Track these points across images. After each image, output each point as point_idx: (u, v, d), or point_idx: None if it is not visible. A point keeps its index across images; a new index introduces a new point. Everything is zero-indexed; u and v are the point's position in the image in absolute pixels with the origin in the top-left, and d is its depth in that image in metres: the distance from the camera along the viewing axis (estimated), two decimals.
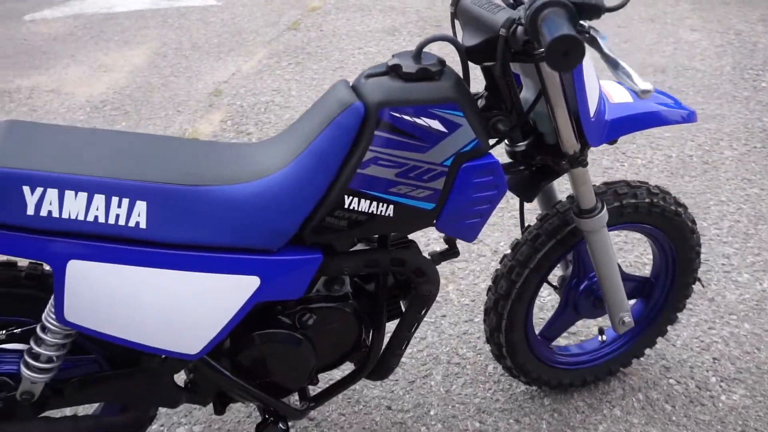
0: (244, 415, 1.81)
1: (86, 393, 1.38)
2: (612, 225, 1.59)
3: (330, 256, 1.32)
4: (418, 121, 1.22)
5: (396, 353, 1.51)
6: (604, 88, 1.45)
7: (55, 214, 1.14)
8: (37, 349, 1.28)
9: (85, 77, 3.92)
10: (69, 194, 1.14)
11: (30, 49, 4.34)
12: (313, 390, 1.61)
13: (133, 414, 1.43)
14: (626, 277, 1.77)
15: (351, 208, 1.25)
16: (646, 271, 2.19)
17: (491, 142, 1.34)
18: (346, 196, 1.24)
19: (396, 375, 1.93)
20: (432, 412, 1.83)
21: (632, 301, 1.96)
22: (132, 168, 1.20)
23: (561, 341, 1.99)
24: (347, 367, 1.57)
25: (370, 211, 1.26)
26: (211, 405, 1.52)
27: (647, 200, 1.60)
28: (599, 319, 1.86)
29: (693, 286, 1.81)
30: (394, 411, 1.84)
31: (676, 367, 1.96)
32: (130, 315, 1.21)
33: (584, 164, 1.39)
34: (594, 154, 3.05)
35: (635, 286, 1.82)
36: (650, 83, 1.08)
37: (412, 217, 1.29)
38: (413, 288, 1.43)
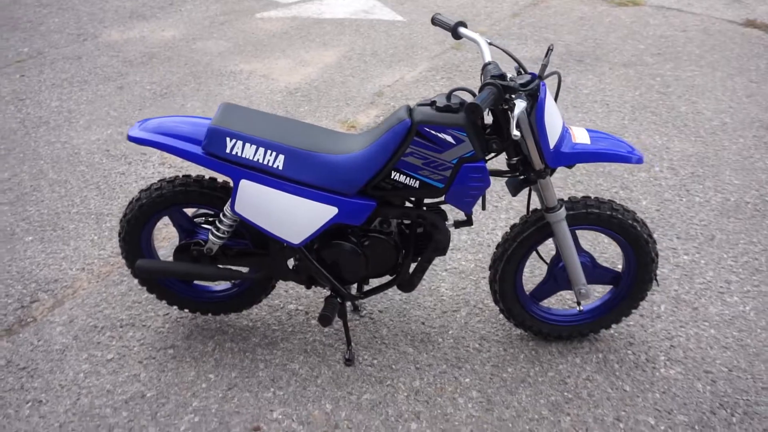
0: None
1: (239, 259, 2.46)
2: (579, 224, 2.36)
3: (381, 205, 2.25)
4: (438, 134, 2.10)
5: (417, 275, 2.42)
6: (571, 131, 2.23)
7: (239, 154, 2.18)
8: (219, 225, 2.36)
9: (289, 68, 5.15)
10: (247, 145, 2.18)
11: (255, 41, 5.69)
12: (365, 288, 2.56)
13: (263, 276, 2.48)
14: (600, 267, 2.51)
15: (394, 178, 2.17)
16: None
17: (491, 155, 2.20)
18: (393, 171, 2.16)
19: (435, 305, 2.83)
20: (450, 332, 2.70)
21: (608, 287, 2.69)
22: (282, 136, 2.21)
23: (554, 304, 2.76)
24: (387, 279, 2.49)
25: (404, 182, 2.17)
26: (304, 287, 2.53)
27: (608, 213, 2.34)
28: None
29: (650, 283, 2.50)
30: (426, 326, 2.73)
31: (637, 345, 2.65)
32: (267, 214, 2.24)
33: (544, 177, 2.19)
34: (660, 187, 3.67)
35: (610, 276, 2.55)
36: (518, 133, 1.88)
37: (429, 190, 2.18)
38: (433, 237, 2.33)
